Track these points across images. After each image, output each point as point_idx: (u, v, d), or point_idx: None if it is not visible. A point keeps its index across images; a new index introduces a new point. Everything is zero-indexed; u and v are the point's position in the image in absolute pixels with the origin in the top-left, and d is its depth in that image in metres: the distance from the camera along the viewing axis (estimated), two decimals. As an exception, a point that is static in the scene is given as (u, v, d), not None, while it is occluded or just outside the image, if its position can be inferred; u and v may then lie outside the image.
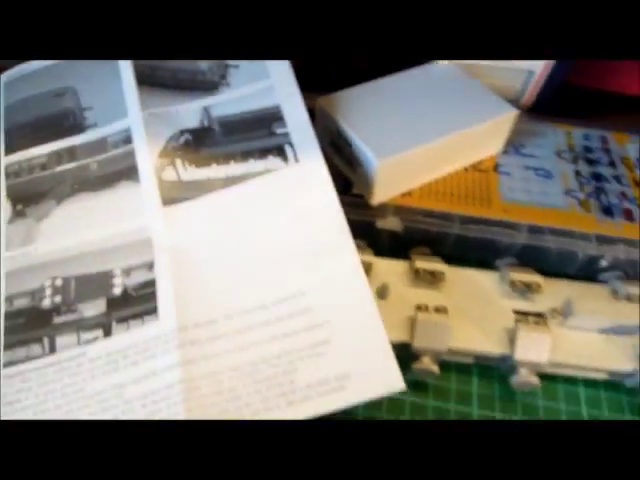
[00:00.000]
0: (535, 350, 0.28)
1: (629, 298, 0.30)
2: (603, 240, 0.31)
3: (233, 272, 0.26)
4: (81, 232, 0.28)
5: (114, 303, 0.26)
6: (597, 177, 0.35)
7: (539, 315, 0.29)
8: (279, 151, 0.30)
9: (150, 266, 0.27)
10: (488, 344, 0.28)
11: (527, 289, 0.30)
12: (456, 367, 0.30)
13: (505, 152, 0.36)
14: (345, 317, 0.24)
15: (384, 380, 0.23)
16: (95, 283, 0.27)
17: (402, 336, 0.28)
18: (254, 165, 0.29)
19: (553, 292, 0.30)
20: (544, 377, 0.30)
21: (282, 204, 0.28)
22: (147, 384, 0.23)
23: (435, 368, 0.28)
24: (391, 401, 0.28)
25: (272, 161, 0.29)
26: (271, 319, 0.24)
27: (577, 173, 0.35)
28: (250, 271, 0.26)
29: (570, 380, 0.30)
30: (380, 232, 0.32)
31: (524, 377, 0.28)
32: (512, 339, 0.28)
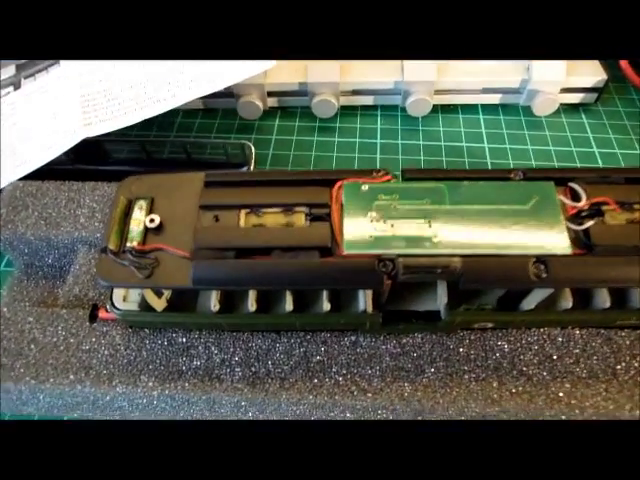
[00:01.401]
0: (422, 71, 0.29)
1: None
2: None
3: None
4: None
5: (22, 66, 0.28)
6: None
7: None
8: None
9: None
10: (382, 76, 0.30)
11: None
12: (361, 110, 0.32)
13: None
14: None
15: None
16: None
17: (302, 78, 0.30)
18: None
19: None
20: (444, 109, 0.31)
21: None
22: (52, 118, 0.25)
23: (335, 101, 0.30)
24: (299, 140, 0.30)
25: None
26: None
27: None
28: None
29: (469, 108, 0.32)
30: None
31: (418, 96, 0.30)
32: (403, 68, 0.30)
